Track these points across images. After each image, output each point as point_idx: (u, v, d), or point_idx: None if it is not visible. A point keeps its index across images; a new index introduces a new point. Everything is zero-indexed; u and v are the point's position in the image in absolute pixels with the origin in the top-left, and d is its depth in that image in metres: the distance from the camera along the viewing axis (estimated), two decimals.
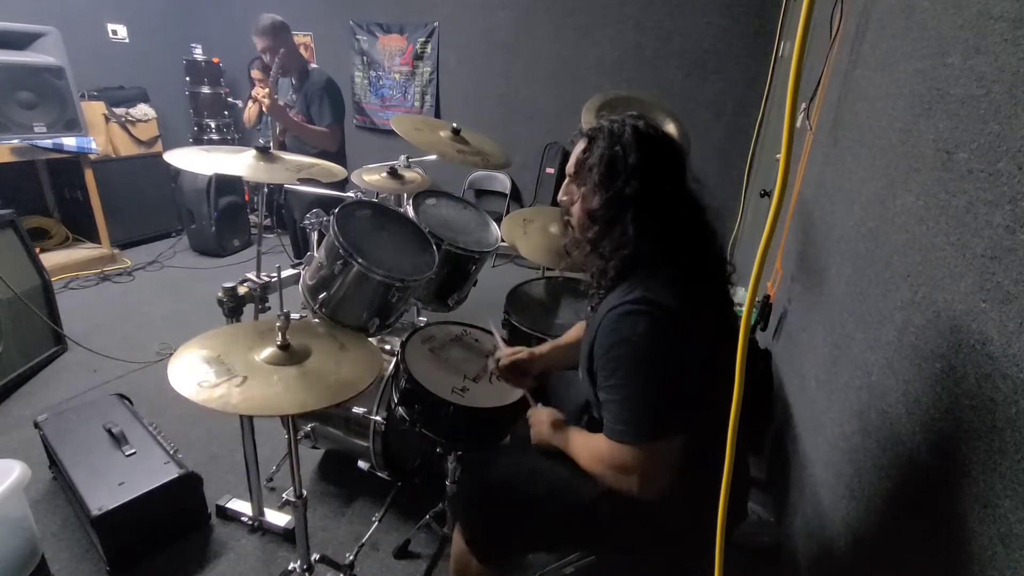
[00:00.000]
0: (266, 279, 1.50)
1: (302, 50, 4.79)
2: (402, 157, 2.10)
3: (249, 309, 1.49)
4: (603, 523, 1.07)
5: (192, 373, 1.06)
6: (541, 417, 1.19)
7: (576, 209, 1.08)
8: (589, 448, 1.03)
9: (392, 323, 1.52)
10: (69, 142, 3.34)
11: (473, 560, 1.13)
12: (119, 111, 3.95)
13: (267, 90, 2.49)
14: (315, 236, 1.61)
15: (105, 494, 1.52)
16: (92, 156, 3.53)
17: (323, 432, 1.80)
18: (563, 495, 1.08)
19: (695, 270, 1.01)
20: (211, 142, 4.64)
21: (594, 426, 1.07)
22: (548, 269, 2.04)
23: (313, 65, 2.87)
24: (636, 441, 0.92)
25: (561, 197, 1.12)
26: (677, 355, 0.93)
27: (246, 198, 4.27)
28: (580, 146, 1.07)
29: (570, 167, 1.09)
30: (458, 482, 1.50)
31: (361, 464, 1.76)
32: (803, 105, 2.09)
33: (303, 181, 1.59)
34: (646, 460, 0.92)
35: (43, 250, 3.54)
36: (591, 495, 1.04)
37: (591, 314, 1.11)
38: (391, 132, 1.98)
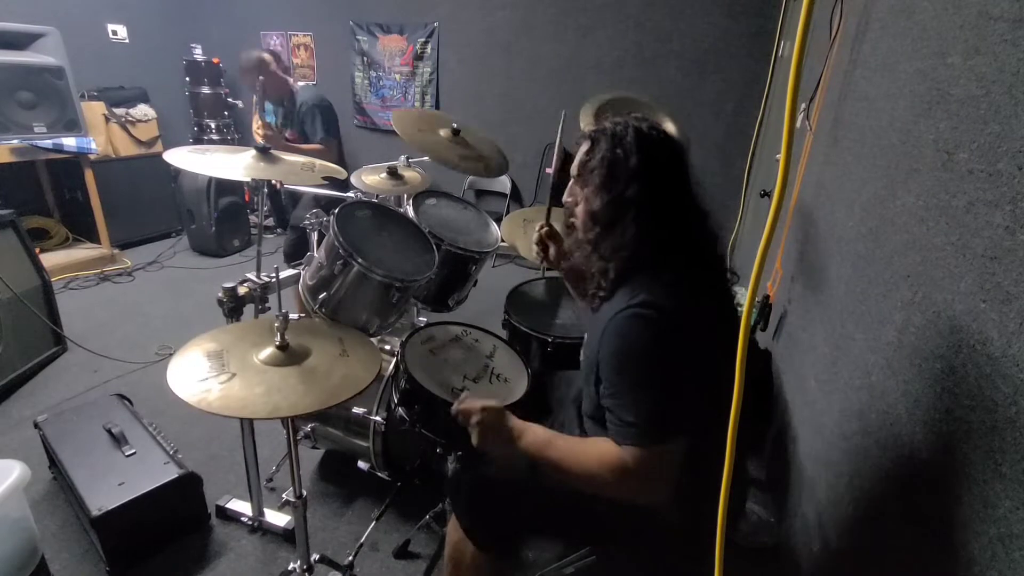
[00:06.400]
0: (266, 279, 1.50)
1: (302, 51, 4.80)
2: (402, 157, 2.10)
3: (249, 309, 1.49)
4: (603, 518, 1.06)
5: (189, 368, 1.06)
6: (485, 417, 1.07)
7: (579, 210, 1.08)
8: (586, 452, 1.00)
9: (392, 323, 1.52)
10: (69, 142, 3.34)
11: (470, 547, 1.12)
12: (119, 111, 3.95)
13: (259, 122, 2.67)
14: (315, 236, 1.61)
15: (105, 494, 1.52)
16: (92, 156, 3.52)
17: (323, 432, 1.80)
18: (564, 488, 1.08)
19: (697, 272, 1.02)
20: (211, 142, 4.64)
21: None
22: (548, 269, 2.04)
23: (300, 84, 2.94)
24: (644, 443, 0.92)
25: (566, 198, 1.13)
26: (682, 357, 0.93)
27: (246, 198, 4.27)
28: (583, 148, 1.07)
29: (574, 169, 1.09)
30: (457, 471, 1.49)
31: (361, 464, 1.76)
32: (803, 105, 2.09)
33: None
34: (653, 462, 0.92)
35: (43, 250, 3.54)
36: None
37: (591, 316, 1.10)
38: (391, 132, 1.98)
